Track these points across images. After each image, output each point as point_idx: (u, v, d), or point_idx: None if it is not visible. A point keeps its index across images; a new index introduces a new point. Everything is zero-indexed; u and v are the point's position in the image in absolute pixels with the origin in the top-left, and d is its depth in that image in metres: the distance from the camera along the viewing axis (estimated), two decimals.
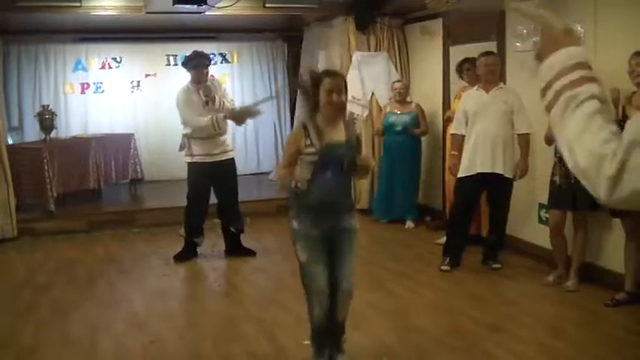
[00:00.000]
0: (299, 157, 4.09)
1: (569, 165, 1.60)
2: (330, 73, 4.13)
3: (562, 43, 1.71)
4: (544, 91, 1.70)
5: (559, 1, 6.17)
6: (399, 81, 8.34)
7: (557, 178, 5.72)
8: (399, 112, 8.17)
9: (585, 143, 1.55)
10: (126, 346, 4.81)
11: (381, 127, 8.33)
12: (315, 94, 4.06)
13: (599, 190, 1.53)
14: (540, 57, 1.73)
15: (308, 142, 4.04)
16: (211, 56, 8.05)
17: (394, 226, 8.27)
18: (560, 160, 5.70)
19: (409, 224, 8.27)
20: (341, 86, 4.05)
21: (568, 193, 5.60)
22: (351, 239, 4.26)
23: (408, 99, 8.33)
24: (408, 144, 8.22)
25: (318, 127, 4.06)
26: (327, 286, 4.16)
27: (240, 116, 6.76)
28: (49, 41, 10.77)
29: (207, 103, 6.69)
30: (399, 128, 8.12)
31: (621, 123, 5.07)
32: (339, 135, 4.10)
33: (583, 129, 1.57)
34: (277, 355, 4.62)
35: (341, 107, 4.09)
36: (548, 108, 1.65)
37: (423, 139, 8.38)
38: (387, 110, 8.32)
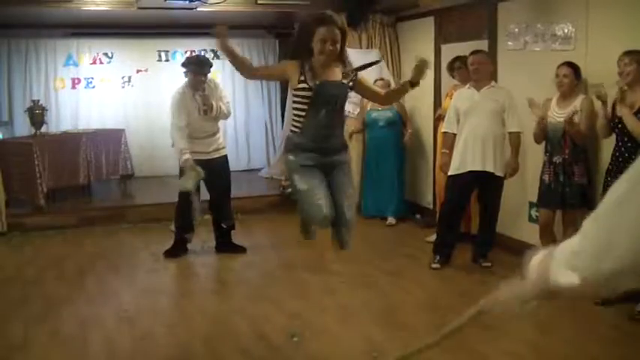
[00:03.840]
0: (292, 92, 4.16)
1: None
2: (324, 22, 4.08)
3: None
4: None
5: (551, 1, 6.20)
6: (380, 79, 8.30)
7: (546, 177, 5.75)
8: (380, 109, 8.18)
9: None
10: (116, 342, 4.79)
11: (360, 126, 8.36)
12: (309, 41, 4.08)
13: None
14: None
15: (302, 78, 4.07)
16: (203, 53, 8.01)
17: (382, 222, 8.29)
18: (549, 159, 5.72)
19: (390, 220, 8.30)
20: (335, 35, 4.05)
21: (557, 192, 5.62)
22: (347, 170, 4.30)
23: None
24: (391, 139, 8.29)
25: (314, 68, 4.10)
26: (331, 210, 4.09)
27: (186, 175, 6.62)
28: (40, 36, 10.73)
29: (205, 112, 6.65)
30: (381, 123, 8.22)
31: (611, 122, 5.15)
32: (334, 76, 4.14)
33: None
34: (268, 351, 4.61)
35: (334, 55, 4.09)
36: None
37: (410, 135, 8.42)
38: (369, 107, 8.34)
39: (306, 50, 4.11)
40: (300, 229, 4.59)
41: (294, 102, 4.18)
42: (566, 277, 1.49)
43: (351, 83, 4.23)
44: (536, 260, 1.68)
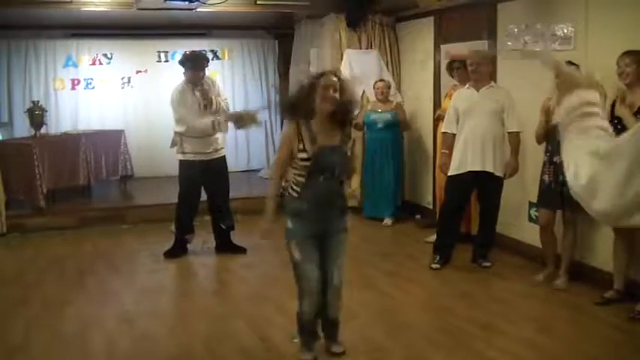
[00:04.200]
0: (292, 158, 4.17)
1: (570, 181, 1.77)
2: (327, 72, 4.18)
3: (578, 85, 1.94)
4: (560, 127, 1.95)
5: (551, 2, 6.20)
6: (381, 80, 8.35)
7: (546, 177, 5.75)
8: (380, 111, 8.23)
9: (577, 160, 1.79)
10: (116, 343, 4.80)
11: (360, 122, 8.36)
12: (311, 97, 4.10)
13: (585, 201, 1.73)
14: (559, 100, 1.95)
15: (301, 147, 4.10)
16: (204, 52, 8.01)
17: (381, 223, 8.28)
18: (549, 159, 5.73)
19: (386, 221, 8.30)
20: (336, 84, 4.09)
21: (557, 192, 5.62)
22: (343, 239, 4.36)
23: (390, 98, 8.37)
24: (389, 141, 8.28)
25: (312, 131, 4.11)
26: (320, 284, 4.25)
27: (242, 119, 6.73)
28: (40, 37, 10.74)
29: (205, 107, 6.66)
30: (380, 125, 8.19)
31: (611, 124, 5.14)
32: (333, 140, 4.15)
33: (579, 147, 1.81)
34: (268, 352, 4.62)
35: (334, 102, 4.08)
36: (562, 139, 1.91)
37: (411, 138, 8.40)
38: (369, 108, 8.34)
39: (307, 103, 4.12)
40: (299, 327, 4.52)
41: (294, 166, 4.20)
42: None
43: (349, 145, 4.28)
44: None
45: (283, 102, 4.47)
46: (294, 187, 4.20)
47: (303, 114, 4.16)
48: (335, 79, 4.13)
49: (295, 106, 4.23)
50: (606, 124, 1.86)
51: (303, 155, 4.09)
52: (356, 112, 8.45)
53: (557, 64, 2.06)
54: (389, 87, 8.33)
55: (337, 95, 4.09)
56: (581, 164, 1.72)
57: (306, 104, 4.13)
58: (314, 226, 4.18)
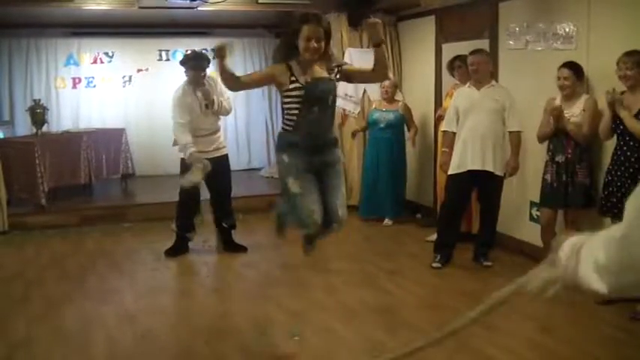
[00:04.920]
0: (282, 93, 4.20)
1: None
2: (308, 20, 4.15)
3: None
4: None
5: (553, 0, 6.20)
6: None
7: (548, 177, 5.75)
8: (384, 110, 8.18)
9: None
10: (117, 341, 4.80)
11: (364, 124, 8.34)
12: (295, 39, 4.14)
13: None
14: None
15: (293, 78, 4.13)
16: (204, 52, 7.99)
17: (381, 222, 8.28)
18: (551, 159, 5.73)
19: (387, 221, 8.27)
20: (319, 33, 4.11)
21: (559, 191, 5.63)
22: (338, 170, 4.38)
23: (396, 97, 8.32)
24: (392, 141, 8.21)
25: (302, 66, 4.15)
26: (320, 216, 4.21)
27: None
28: (41, 35, 10.73)
29: (206, 106, 6.67)
30: (382, 125, 8.14)
31: (613, 124, 5.14)
32: (321, 72, 4.19)
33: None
34: (269, 350, 4.61)
35: (318, 53, 4.13)
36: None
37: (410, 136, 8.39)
38: (373, 107, 8.33)
39: (292, 48, 4.18)
40: (276, 226, 4.68)
41: (285, 102, 4.24)
42: (595, 283, 1.62)
43: (338, 76, 4.27)
44: (566, 248, 1.77)
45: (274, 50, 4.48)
46: (288, 122, 4.23)
47: (289, 55, 4.19)
48: (317, 29, 4.12)
49: (281, 50, 4.28)
50: None
51: (296, 85, 4.11)
52: (356, 111, 8.55)
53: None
54: (395, 86, 8.27)
55: (321, 44, 4.12)
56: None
57: (290, 46, 4.18)
58: (310, 158, 4.19)
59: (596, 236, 1.66)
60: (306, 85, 4.11)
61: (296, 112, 4.17)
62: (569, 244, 1.78)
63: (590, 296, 5.20)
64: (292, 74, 4.14)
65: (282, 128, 4.30)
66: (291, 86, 4.14)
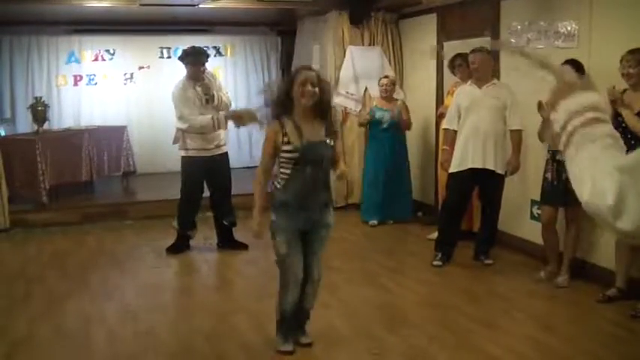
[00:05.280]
0: (277, 153, 4.20)
1: (582, 199, 1.64)
2: (303, 68, 4.25)
3: (576, 88, 1.78)
4: (560, 133, 1.75)
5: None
6: (385, 77, 8.21)
7: (549, 175, 5.75)
8: (385, 108, 8.06)
9: (596, 177, 1.58)
10: (118, 338, 4.81)
11: (368, 117, 8.18)
12: (289, 94, 4.15)
13: (607, 220, 1.57)
14: (554, 101, 1.79)
15: (286, 140, 4.12)
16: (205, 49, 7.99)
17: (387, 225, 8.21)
18: (552, 157, 5.73)
19: (372, 222, 8.13)
20: (314, 79, 4.13)
21: (560, 190, 5.63)
22: (325, 234, 4.40)
23: (395, 95, 8.23)
24: (395, 140, 8.12)
25: (297, 125, 4.14)
26: (302, 276, 4.32)
27: (241, 118, 6.69)
28: (42, 33, 10.73)
29: (207, 101, 6.68)
30: (385, 125, 8.00)
31: (614, 121, 5.13)
32: (317, 133, 4.18)
33: (595, 162, 1.61)
34: (269, 348, 4.61)
35: (314, 99, 4.13)
36: (563, 149, 1.69)
37: (415, 135, 8.34)
38: (374, 105, 8.21)
39: (288, 100, 4.16)
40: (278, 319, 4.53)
41: (280, 160, 4.21)
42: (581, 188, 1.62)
43: (333, 143, 4.28)
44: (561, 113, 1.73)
45: (267, 104, 4.47)
46: (280, 180, 4.23)
47: (283, 111, 4.19)
48: (311, 73, 4.17)
49: (277, 104, 4.26)
50: (616, 132, 1.73)
51: (288, 147, 4.11)
52: (358, 109, 8.53)
53: (552, 65, 1.98)
54: (394, 83, 8.20)
55: (316, 90, 4.13)
56: (602, 180, 1.55)
57: (285, 101, 4.18)
58: (299, 219, 4.21)
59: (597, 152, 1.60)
60: (299, 148, 4.10)
61: (288, 172, 4.17)
62: (564, 109, 1.73)
63: (590, 292, 5.21)
64: (285, 134, 4.13)
65: (275, 186, 4.30)
66: (285, 148, 4.13)
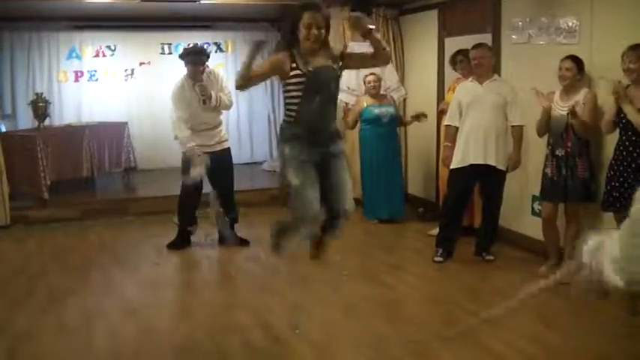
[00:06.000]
0: (283, 82, 4.13)
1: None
2: (308, 7, 4.12)
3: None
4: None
5: None
6: (372, 74, 8.06)
7: (548, 170, 5.75)
8: (378, 105, 8.00)
9: None
10: (120, 334, 4.81)
11: (351, 120, 8.11)
12: (295, 28, 4.09)
13: None
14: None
15: (294, 65, 4.06)
16: (206, 46, 7.99)
17: (388, 222, 8.17)
18: (551, 152, 5.73)
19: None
20: (319, 21, 4.07)
21: (560, 186, 5.63)
22: (342, 162, 4.28)
23: (382, 91, 8.18)
24: (391, 136, 8.11)
25: (304, 55, 4.09)
26: (320, 208, 4.13)
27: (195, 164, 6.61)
28: (43, 29, 10.72)
29: (204, 102, 6.67)
30: (385, 120, 7.97)
31: (616, 117, 5.14)
32: (323, 60, 4.12)
33: None
34: (272, 344, 4.62)
35: (319, 41, 4.08)
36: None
37: (414, 132, 8.32)
38: (365, 105, 8.06)
39: (293, 37, 4.12)
40: (272, 242, 4.49)
41: (287, 91, 4.15)
42: (613, 278, 1.78)
43: (340, 63, 4.23)
44: (590, 249, 1.86)
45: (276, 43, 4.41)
46: (289, 113, 4.16)
47: (290, 44, 4.14)
48: (317, 16, 4.08)
49: (282, 39, 4.24)
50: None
51: (297, 72, 4.05)
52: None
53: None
54: (380, 79, 8.12)
55: (322, 32, 4.08)
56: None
57: (291, 35, 4.13)
58: (311, 150, 4.11)
59: (614, 233, 1.71)
60: (307, 73, 4.05)
61: (297, 101, 4.09)
62: (591, 243, 1.85)
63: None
64: (294, 61, 4.08)
65: (284, 120, 4.24)
66: (292, 73, 4.07)
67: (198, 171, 6.45)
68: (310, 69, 4.05)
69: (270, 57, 4.27)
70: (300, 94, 4.07)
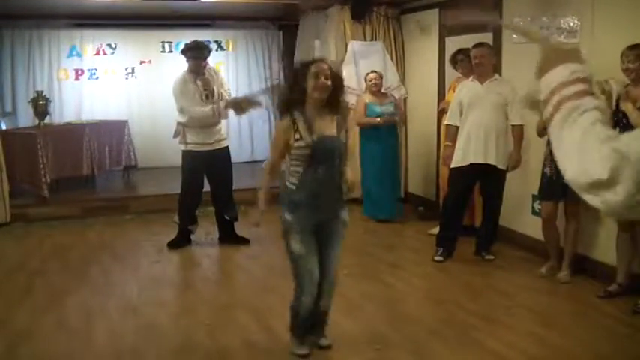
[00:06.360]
0: (287, 151, 4.06)
1: (565, 175, 1.61)
2: (316, 60, 4.11)
3: (564, 58, 1.72)
4: (544, 104, 1.68)
5: None
6: (374, 71, 8.06)
7: (547, 170, 5.75)
8: (379, 103, 7.98)
9: (584, 151, 1.54)
10: (120, 332, 4.82)
11: (380, 121, 8.05)
12: (302, 82, 4.01)
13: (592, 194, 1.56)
14: (541, 72, 1.73)
15: (297, 137, 3.98)
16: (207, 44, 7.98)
17: (388, 222, 8.16)
18: (551, 152, 5.72)
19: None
20: (327, 71, 4.00)
21: (559, 185, 5.62)
22: (341, 232, 4.25)
23: (383, 90, 8.15)
24: (390, 135, 8.09)
25: (308, 120, 4.01)
26: (318, 275, 4.15)
27: (240, 105, 6.65)
28: (44, 27, 10.74)
29: (207, 96, 6.68)
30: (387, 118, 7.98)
31: (615, 117, 5.14)
32: (329, 128, 4.05)
33: (583, 136, 1.56)
34: (271, 342, 4.63)
35: (328, 91, 4.01)
36: (548, 119, 1.65)
37: (414, 130, 8.30)
38: (367, 101, 8.04)
39: (299, 93, 4.03)
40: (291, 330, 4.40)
41: (291, 158, 4.07)
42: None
43: (345, 139, 4.19)
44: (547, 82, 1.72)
45: (278, 98, 4.31)
46: (292, 179, 4.08)
47: (295, 103, 4.06)
48: (325, 65, 4.03)
49: (288, 97, 4.13)
50: (603, 104, 1.72)
51: (301, 144, 3.97)
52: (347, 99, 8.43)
53: (545, 40, 1.91)
54: (381, 77, 8.09)
55: (329, 82, 4.00)
56: (592, 154, 1.52)
57: (297, 93, 4.04)
58: (313, 218, 4.07)
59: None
60: (311, 144, 3.97)
61: (300, 170, 4.02)
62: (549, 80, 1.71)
63: (591, 288, 5.21)
64: (297, 131, 3.99)
65: (286, 185, 4.13)
66: (296, 144, 3.99)
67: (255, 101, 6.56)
68: (314, 139, 3.97)
69: (277, 133, 4.20)
70: (303, 163, 4.00)
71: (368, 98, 8.06)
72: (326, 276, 4.21)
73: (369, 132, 8.10)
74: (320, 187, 4.03)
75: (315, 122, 4.02)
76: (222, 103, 6.64)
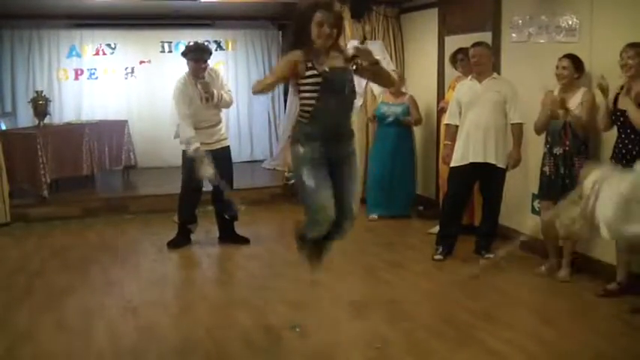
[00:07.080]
0: (298, 82, 4.03)
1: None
2: (320, 6, 4.01)
3: None
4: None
5: None
6: (393, 71, 8.12)
7: (547, 169, 5.76)
8: (391, 103, 8.01)
9: None
10: (119, 332, 4.81)
11: (373, 114, 8.24)
12: (306, 27, 3.99)
13: None
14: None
15: (310, 65, 3.97)
16: (207, 44, 7.97)
17: (392, 219, 8.16)
18: (549, 151, 5.73)
19: (372, 216, 8.14)
20: (331, 19, 3.97)
21: (558, 184, 5.63)
22: (352, 163, 4.23)
23: (403, 89, 8.21)
24: (400, 135, 8.05)
25: (319, 53, 4.00)
26: (333, 211, 4.05)
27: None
28: (43, 26, 10.74)
29: (207, 100, 6.67)
30: (390, 119, 7.95)
31: (612, 116, 5.15)
32: (337, 61, 4.05)
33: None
34: (271, 342, 4.63)
35: (331, 39, 3.99)
36: None
37: (417, 129, 8.31)
38: (380, 100, 8.21)
39: (305, 36, 4.01)
40: (298, 236, 4.43)
41: (302, 91, 4.05)
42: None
43: (354, 67, 4.17)
44: (589, 181, 1.80)
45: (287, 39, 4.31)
46: (303, 113, 4.07)
47: (303, 43, 4.03)
48: (328, 13, 3.98)
49: (295, 39, 4.11)
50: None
51: (313, 72, 3.96)
52: (359, 103, 8.47)
53: None
54: (401, 77, 8.08)
55: (333, 31, 3.98)
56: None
57: (303, 34, 4.02)
58: (325, 150, 4.04)
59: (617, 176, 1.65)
60: (323, 73, 3.96)
61: (312, 102, 4.00)
62: (592, 177, 1.78)
63: (590, 287, 5.21)
64: (309, 61, 3.98)
65: (298, 119, 4.14)
66: (308, 73, 3.97)
67: (209, 170, 6.40)
68: (326, 69, 3.97)
69: (285, 56, 4.19)
70: (315, 94, 3.98)
71: (383, 96, 8.16)
72: (346, 214, 4.15)
73: (378, 131, 8.20)
74: (332, 118, 4.04)
75: (323, 58, 4.01)
76: (198, 146, 6.51)
